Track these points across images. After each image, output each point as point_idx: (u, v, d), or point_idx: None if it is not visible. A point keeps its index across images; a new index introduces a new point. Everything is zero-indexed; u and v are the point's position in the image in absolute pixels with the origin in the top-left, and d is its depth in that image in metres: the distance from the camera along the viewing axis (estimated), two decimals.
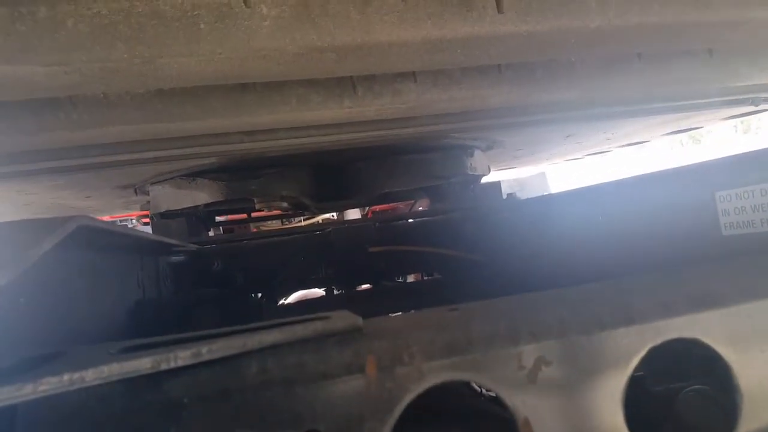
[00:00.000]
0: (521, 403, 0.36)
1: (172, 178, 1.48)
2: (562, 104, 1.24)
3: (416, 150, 1.54)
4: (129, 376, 0.33)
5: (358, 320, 0.38)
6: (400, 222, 1.64)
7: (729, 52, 1.07)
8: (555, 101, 1.16)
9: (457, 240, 1.52)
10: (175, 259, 1.45)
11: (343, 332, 0.37)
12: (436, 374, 0.36)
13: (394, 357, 0.36)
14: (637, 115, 1.42)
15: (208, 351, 0.35)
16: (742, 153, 0.84)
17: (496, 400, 0.45)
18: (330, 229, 1.56)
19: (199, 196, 1.43)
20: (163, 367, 0.33)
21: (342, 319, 0.38)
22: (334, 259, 1.53)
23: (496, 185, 1.81)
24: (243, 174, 1.41)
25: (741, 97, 1.44)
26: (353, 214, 2.97)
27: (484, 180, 1.79)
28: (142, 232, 0.97)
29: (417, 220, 1.66)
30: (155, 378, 0.33)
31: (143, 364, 0.33)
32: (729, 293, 0.40)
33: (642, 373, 1.12)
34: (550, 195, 1.39)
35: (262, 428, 0.33)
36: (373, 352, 0.36)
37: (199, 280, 1.43)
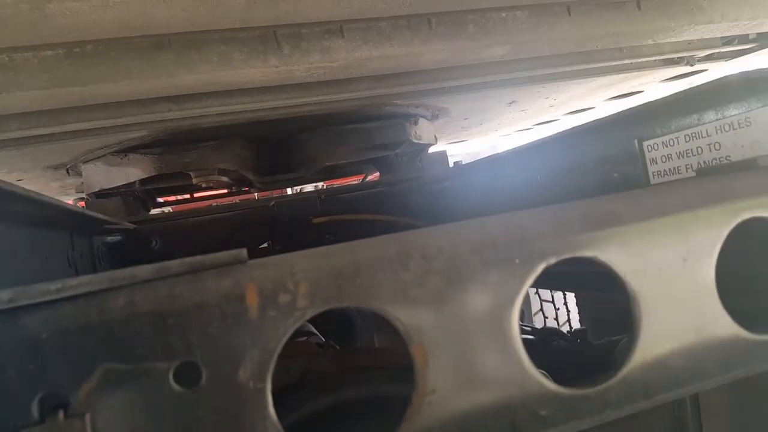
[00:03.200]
0: (412, 325, 0.35)
1: (104, 155, 1.42)
2: (497, 65, 1.23)
3: (359, 119, 1.51)
4: None
5: (243, 253, 0.36)
6: (345, 194, 1.62)
7: (656, 5, 1.08)
8: (489, 59, 1.15)
9: (404, 209, 1.51)
10: (111, 238, 1.40)
11: (223, 265, 0.35)
12: (323, 301, 0.34)
13: (278, 285, 0.34)
14: (575, 77, 1.42)
15: (71, 286, 0.32)
16: (666, 97, 0.84)
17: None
18: (273, 202, 1.53)
19: (133, 171, 1.38)
20: (21, 302, 0.31)
21: (225, 254, 0.36)
22: (278, 232, 1.50)
23: (443, 154, 1.81)
24: (177, 147, 1.36)
25: (675, 56, 1.47)
26: None
27: (432, 150, 1.79)
28: (64, 202, 0.92)
29: (363, 191, 1.64)
30: (12, 314, 0.31)
31: None
32: (624, 213, 0.40)
33: (584, 327, 1.14)
34: (489, 157, 1.39)
35: (131, 361, 0.31)
36: (254, 281, 0.34)
37: (137, 259, 1.38)
